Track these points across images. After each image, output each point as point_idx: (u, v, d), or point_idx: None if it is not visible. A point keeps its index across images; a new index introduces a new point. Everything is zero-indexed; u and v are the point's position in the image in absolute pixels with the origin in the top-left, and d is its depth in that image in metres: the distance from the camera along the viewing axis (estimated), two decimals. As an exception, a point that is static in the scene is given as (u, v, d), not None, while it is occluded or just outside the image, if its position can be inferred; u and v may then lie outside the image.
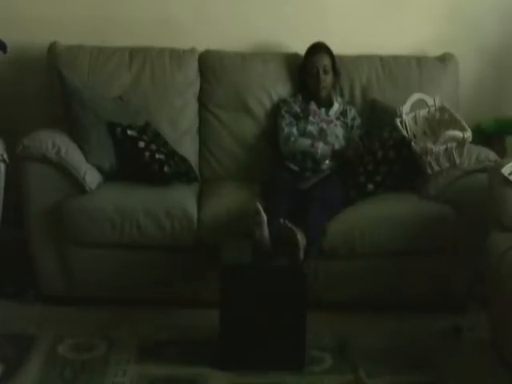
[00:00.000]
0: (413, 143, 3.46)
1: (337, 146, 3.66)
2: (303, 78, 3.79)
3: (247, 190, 3.53)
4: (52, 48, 3.75)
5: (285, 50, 3.94)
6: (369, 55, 3.93)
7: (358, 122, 3.77)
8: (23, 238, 3.42)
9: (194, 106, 3.85)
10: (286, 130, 3.69)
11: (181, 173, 3.59)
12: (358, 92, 3.88)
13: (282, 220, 3.07)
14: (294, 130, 3.69)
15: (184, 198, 3.44)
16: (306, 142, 3.65)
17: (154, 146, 3.50)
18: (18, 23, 3.82)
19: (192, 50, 3.87)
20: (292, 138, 3.66)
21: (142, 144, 3.48)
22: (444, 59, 3.92)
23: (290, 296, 2.93)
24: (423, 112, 3.59)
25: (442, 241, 3.40)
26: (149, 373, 2.89)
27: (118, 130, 3.51)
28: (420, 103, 3.59)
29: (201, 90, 3.86)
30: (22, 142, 3.32)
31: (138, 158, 3.46)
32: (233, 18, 3.96)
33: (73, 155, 3.39)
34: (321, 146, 3.63)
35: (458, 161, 3.41)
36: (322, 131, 3.69)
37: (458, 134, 3.39)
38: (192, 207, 3.39)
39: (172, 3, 3.93)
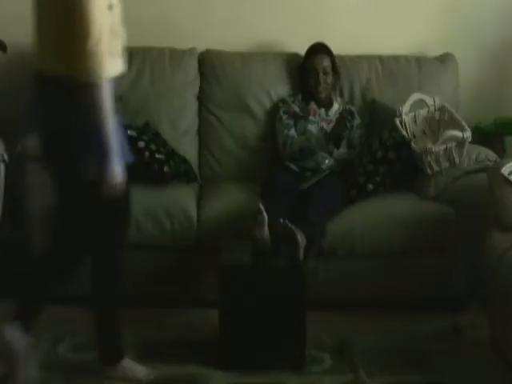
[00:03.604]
0: (412, 143, 3.47)
1: (329, 130, 3.66)
2: (303, 79, 3.79)
3: (247, 191, 3.53)
4: (52, 48, 3.75)
5: (285, 50, 3.94)
6: (369, 55, 3.93)
7: (357, 121, 3.77)
8: (23, 237, 3.42)
9: (193, 106, 3.85)
10: (284, 133, 3.69)
11: (181, 173, 3.59)
12: (357, 92, 3.88)
13: (281, 220, 3.07)
14: (292, 133, 3.69)
15: (184, 198, 3.44)
16: (300, 139, 3.65)
17: (153, 146, 3.51)
18: (18, 23, 3.80)
19: (192, 50, 3.87)
20: (289, 141, 3.66)
21: (141, 144, 3.48)
22: (444, 59, 3.92)
23: (290, 296, 2.93)
24: (423, 112, 3.59)
25: (442, 241, 3.40)
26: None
27: None
28: (420, 103, 3.60)
29: (201, 90, 3.86)
30: (21, 142, 3.32)
31: (138, 158, 3.45)
32: (233, 18, 3.96)
33: (73, 155, 3.39)
34: (314, 136, 3.63)
35: (457, 161, 3.41)
36: (322, 130, 3.69)
37: (457, 133, 3.39)
38: (192, 207, 3.39)
39: (172, 3, 3.93)
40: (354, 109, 3.80)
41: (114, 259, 2.78)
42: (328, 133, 3.66)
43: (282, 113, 3.75)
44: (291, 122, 3.72)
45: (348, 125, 3.65)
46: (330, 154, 3.64)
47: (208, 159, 3.85)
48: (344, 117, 3.67)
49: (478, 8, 4.01)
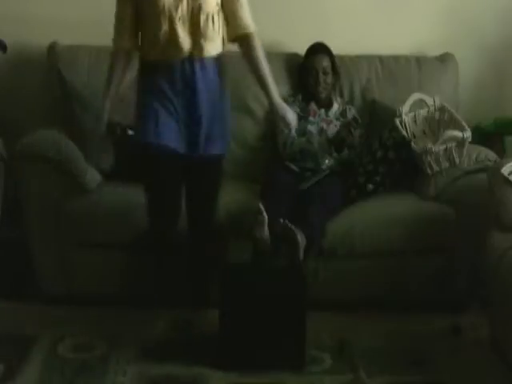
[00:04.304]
0: (412, 143, 3.47)
1: (331, 136, 3.66)
2: (303, 78, 3.79)
3: (247, 190, 3.52)
4: (52, 48, 3.75)
5: (285, 50, 3.93)
6: (369, 55, 3.93)
7: (357, 121, 3.77)
8: (23, 237, 3.42)
9: (193, 106, 3.84)
10: (284, 133, 3.68)
11: (181, 173, 3.59)
12: (357, 92, 3.88)
13: (281, 220, 3.07)
14: (292, 133, 3.69)
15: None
16: (301, 141, 3.65)
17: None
18: (18, 23, 3.82)
19: (192, 50, 3.86)
20: (289, 141, 3.66)
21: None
22: (444, 59, 3.92)
23: (290, 296, 2.93)
24: (423, 112, 3.59)
25: (442, 241, 3.40)
26: (149, 373, 2.89)
27: (118, 129, 3.51)
28: (420, 103, 3.60)
29: (201, 89, 3.85)
30: (21, 142, 3.33)
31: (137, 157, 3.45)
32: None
33: (73, 155, 3.39)
34: (317, 139, 3.64)
35: (457, 161, 3.42)
36: (322, 131, 3.69)
37: (457, 133, 3.39)
38: (192, 207, 3.38)
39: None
40: (353, 108, 3.80)
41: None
42: (330, 138, 3.65)
43: (281, 113, 3.75)
44: (291, 121, 3.72)
45: (353, 131, 3.66)
46: (331, 154, 3.64)
47: (208, 159, 3.85)
48: (349, 123, 3.67)
49: (478, 8, 4.01)
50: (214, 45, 2.86)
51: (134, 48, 2.96)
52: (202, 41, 2.81)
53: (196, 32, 2.80)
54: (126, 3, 2.85)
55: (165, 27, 2.78)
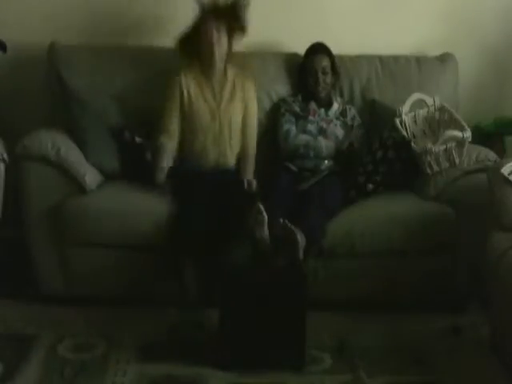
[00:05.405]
0: (412, 143, 3.47)
1: (337, 143, 3.66)
2: (303, 78, 3.79)
3: (247, 190, 3.53)
4: (52, 48, 3.75)
5: (285, 50, 3.94)
6: (368, 55, 3.93)
7: (357, 121, 3.77)
8: (23, 237, 3.42)
9: (193, 106, 3.85)
10: (286, 126, 3.69)
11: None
12: (357, 92, 3.88)
13: (281, 220, 3.07)
14: (294, 128, 3.69)
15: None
16: (306, 137, 3.65)
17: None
18: (18, 23, 3.82)
19: (192, 50, 3.86)
20: (291, 134, 3.67)
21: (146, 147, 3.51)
22: (444, 59, 3.92)
23: (290, 296, 2.93)
24: (423, 112, 3.59)
25: (442, 241, 3.40)
26: (149, 373, 2.89)
27: (126, 135, 3.52)
28: (420, 103, 3.60)
29: (201, 89, 3.85)
30: (21, 142, 3.33)
31: (142, 160, 3.46)
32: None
33: (73, 155, 3.39)
34: (324, 141, 3.64)
35: (457, 161, 3.42)
36: (321, 130, 3.69)
37: (457, 133, 3.39)
38: (192, 207, 3.38)
39: (172, 3, 3.93)
40: (353, 108, 3.80)
41: None
42: (342, 148, 3.65)
43: (283, 110, 3.75)
44: (293, 119, 3.72)
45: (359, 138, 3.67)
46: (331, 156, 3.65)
47: (208, 159, 3.85)
48: (354, 130, 3.70)
49: (478, 8, 4.01)
50: (235, 153, 3.59)
51: (176, 145, 3.52)
52: (228, 151, 3.54)
53: (223, 144, 3.52)
54: (174, 104, 3.52)
55: (198, 141, 3.50)
